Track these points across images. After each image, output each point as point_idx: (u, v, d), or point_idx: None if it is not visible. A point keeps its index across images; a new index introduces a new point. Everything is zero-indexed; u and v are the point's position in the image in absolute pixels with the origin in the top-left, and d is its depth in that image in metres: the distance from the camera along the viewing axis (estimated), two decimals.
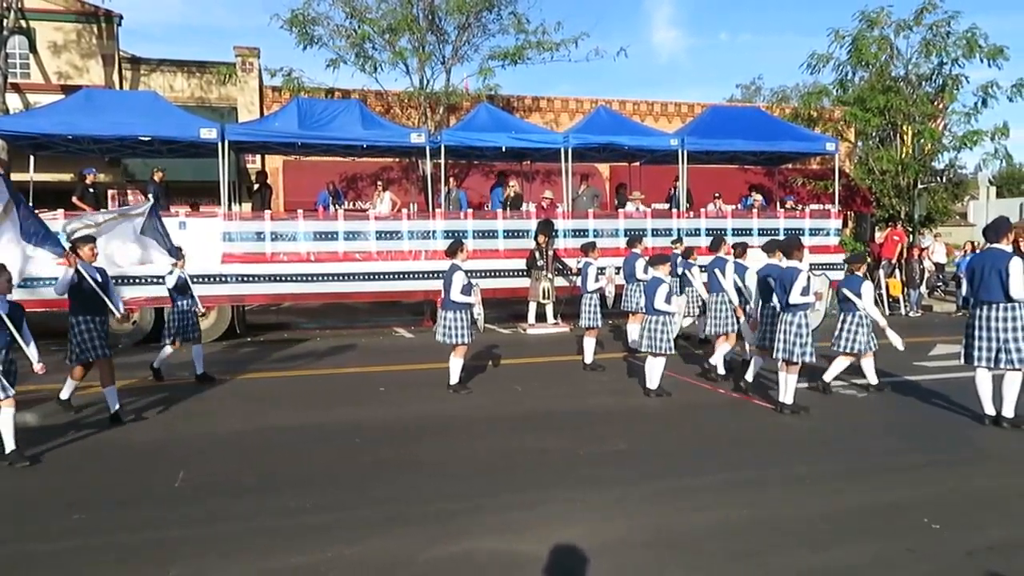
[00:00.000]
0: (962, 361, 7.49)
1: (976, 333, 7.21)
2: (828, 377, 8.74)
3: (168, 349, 9.32)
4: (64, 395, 7.75)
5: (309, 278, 13.16)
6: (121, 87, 19.89)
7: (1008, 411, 7.13)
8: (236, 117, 19.82)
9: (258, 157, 18.39)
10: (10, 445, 6.03)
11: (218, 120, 14.89)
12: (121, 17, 20.10)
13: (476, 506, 5.16)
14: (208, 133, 12.79)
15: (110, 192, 17.78)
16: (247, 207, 16.39)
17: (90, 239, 7.59)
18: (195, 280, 9.94)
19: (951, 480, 5.73)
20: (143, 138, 13.04)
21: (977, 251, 10.46)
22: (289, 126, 13.71)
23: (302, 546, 4.53)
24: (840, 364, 8.80)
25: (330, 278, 13.34)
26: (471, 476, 5.82)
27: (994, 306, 7.06)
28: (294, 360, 10.85)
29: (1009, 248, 7.20)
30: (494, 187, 16.39)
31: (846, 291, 8.78)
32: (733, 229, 15.34)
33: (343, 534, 4.69)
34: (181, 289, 9.22)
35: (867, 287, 8.78)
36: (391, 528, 4.80)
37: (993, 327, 7.07)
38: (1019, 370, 7.01)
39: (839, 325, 8.85)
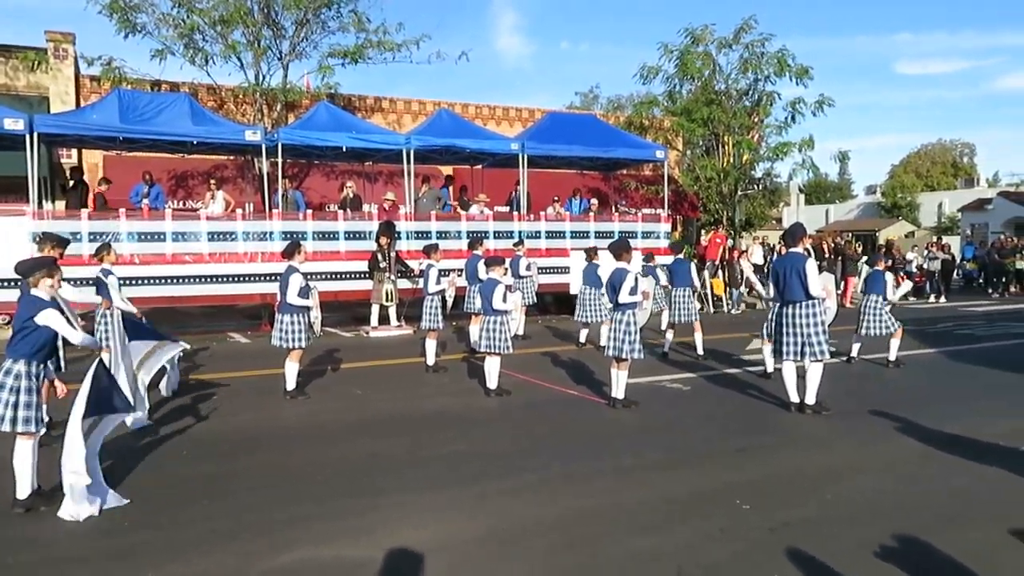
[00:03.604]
0: (772, 356, 8.17)
1: (784, 330, 7.91)
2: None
3: None
4: None
5: (133, 282, 12.30)
6: None
7: (810, 398, 7.85)
8: (48, 107, 18.15)
9: (74, 151, 17.03)
10: None
11: (27, 110, 13.68)
12: None
13: (307, 515, 5.03)
14: (13, 124, 11.77)
15: None
16: (61, 205, 15.08)
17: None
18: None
19: (761, 464, 6.24)
20: None
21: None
22: (109, 119, 12.84)
23: (115, 571, 4.24)
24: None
25: (157, 281, 12.59)
26: (302, 485, 5.66)
27: (798, 304, 7.77)
28: None
29: (804, 251, 7.99)
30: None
31: None
32: (572, 232, 15.94)
33: (161, 555, 4.42)
34: None
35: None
36: (218, 544, 4.58)
37: (798, 323, 7.78)
38: (821, 361, 7.76)
39: None
